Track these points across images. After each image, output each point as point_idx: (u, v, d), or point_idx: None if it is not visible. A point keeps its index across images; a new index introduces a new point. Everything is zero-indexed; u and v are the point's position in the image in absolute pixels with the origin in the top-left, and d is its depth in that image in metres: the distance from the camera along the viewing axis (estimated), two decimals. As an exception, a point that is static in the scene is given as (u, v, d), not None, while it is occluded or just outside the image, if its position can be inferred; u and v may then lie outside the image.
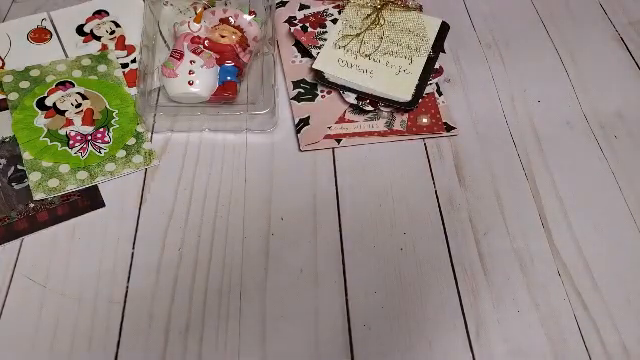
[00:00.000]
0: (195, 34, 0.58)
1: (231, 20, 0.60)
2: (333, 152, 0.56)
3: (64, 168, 0.52)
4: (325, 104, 0.59)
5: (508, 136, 0.58)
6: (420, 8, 0.66)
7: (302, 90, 0.60)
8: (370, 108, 0.58)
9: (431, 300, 0.47)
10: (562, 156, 0.56)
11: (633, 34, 0.68)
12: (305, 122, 0.57)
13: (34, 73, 0.59)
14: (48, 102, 0.56)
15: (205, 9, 0.61)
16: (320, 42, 0.62)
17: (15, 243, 0.49)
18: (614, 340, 0.45)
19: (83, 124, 0.55)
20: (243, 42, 0.59)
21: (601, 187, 0.54)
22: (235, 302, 0.46)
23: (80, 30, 0.64)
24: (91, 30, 0.63)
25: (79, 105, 0.56)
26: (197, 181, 0.53)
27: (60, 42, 0.63)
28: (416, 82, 0.58)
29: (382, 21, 0.63)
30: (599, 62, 0.65)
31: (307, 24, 0.65)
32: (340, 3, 0.67)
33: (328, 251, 0.49)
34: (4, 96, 0.57)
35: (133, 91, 0.58)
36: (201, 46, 0.57)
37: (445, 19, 0.65)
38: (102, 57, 0.61)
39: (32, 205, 0.50)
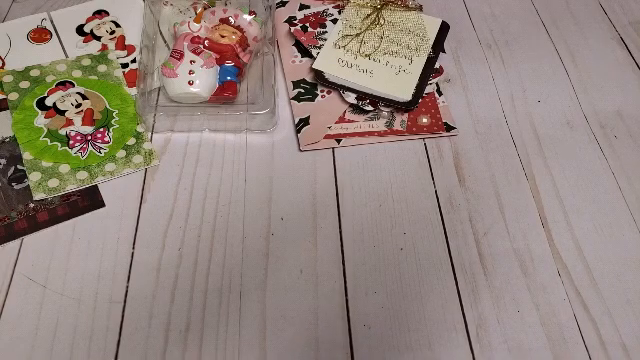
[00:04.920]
0: (195, 34, 0.58)
1: (231, 20, 0.60)
2: (333, 152, 0.56)
3: (64, 168, 0.52)
4: (325, 104, 0.59)
5: (508, 136, 0.58)
6: (420, 8, 0.66)
7: (302, 90, 0.60)
8: (370, 108, 0.58)
9: (431, 300, 0.47)
10: (562, 156, 0.56)
11: (633, 34, 0.68)
12: (305, 122, 0.57)
13: (34, 73, 0.59)
14: (48, 102, 0.56)
15: (205, 9, 0.61)
16: (320, 42, 0.62)
17: (15, 243, 0.49)
18: (614, 340, 0.45)
19: (83, 124, 0.55)
20: (243, 42, 0.59)
21: (601, 187, 0.54)
22: (235, 302, 0.46)
23: (80, 30, 0.64)
24: (91, 30, 0.63)
25: (79, 105, 0.56)
26: (197, 181, 0.53)
27: (60, 42, 0.63)
28: (416, 82, 0.58)
29: (382, 21, 0.63)
30: (599, 62, 0.65)
31: (307, 24, 0.65)
32: (340, 3, 0.67)
33: (328, 251, 0.49)
34: (4, 96, 0.57)
35: (133, 91, 0.58)
36: (201, 46, 0.57)
37: (445, 19, 0.65)
38: (102, 57, 0.61)
39: (32, 205, 0.50)
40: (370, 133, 0.57)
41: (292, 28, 0.64)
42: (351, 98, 0.58)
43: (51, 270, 0.47)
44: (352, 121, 0.58)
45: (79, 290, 0.46)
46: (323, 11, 0.66)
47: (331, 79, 0.59)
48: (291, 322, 0.45)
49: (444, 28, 0.64)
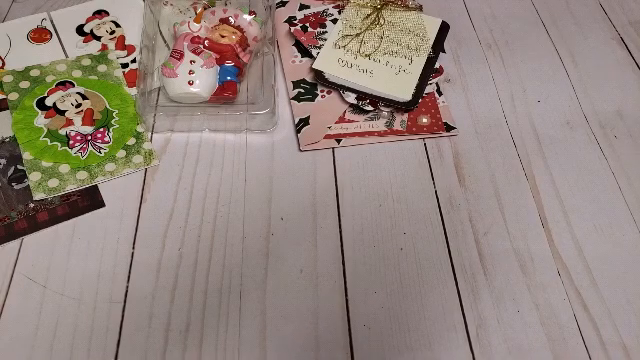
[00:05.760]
0: (195, 34, 0.58)
1: (231, 20, 0.60)
2: (333, 152, 0.56)
3: (64, 168, 0.52)
4: (325, 104, 0.59)
5: (508, 136, 0.58)
6: (420, 8, 0.66)
7: (302, 90, 0.60)
8: (370, 108, 0.58)
9: (431, 300, 0.47)
10: (562, 156, 0.56)
11: (633, 34, 0.68)
12: (305, 122, 0.57)
13: (34, 73, 0.59)
14: (48, 102, 0.56)
15: (205, 9, 0.61)
16: (320, 42, 0.62)
17: (15, 243, 0.49)
18: (614, 340, 0.45)
19: (83, 124, 0.55)
20: (243, 42, 0.59)
21: (601, 187, 0.54)
22: (235, 302, 0.46)
23: (80, 30, 0.64)
24: (91, 30, 0.63)
25: (79, 105, 0.56)
26: (197, 181, 0.53)
27: (60, 42, 0.63)
28: (416, 82, 0.58)
29: (382, 21, 0.63)
30: (599, 62, 0.65)
31: (307, 24, 0.65)
32: (340, 3, 0.67)
33: (328, 251, 0.49)
34: (4, 96, 0.57)
35: (133, 91, 0.58)
36: (201, 46, 0.57)
37: (445, 19, 0.65)
38: (102, 57, 0.61)
39: (32, 205, 0.50)
40: (370, 133, 0.57)
41: (292, 28, 0.64)
42: (351, 98, 0.58)
43: (51, 270, 0.47)
44: (352, 121, 0.58)
45: (79, 290, 0.46)
46: (323, 11, 0.66)
47: (331, 79, 0.59)
48: (291, 322, 0.45)
49: (444, 28, 0.64)
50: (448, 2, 0.71)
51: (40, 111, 0.56)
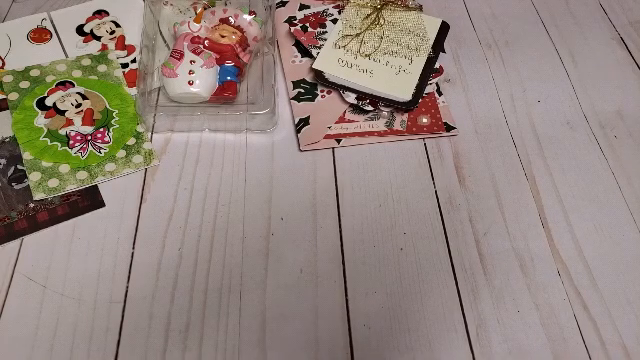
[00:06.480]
0: (195, 34, 0.58)
1: (231, 20, 0.60)
2: (333, 152, 0.56)
3: (64, 168, 0.52)
4: (325, 104, 0.59)
5: (508, 136, 0.58)
6: (420, 8, 0.66)
7: (302, 90, 0.60)
8: (370, 108, 0.58)
9: (431, 300, 0.47)
10: (562, 156, 0.56)
11: (633, 34, 0.68)
12: (305, 122, 0.57)
13: (34, 73, 0.59)
14: (48, 102, 0.56)
15: (205, 9, 0.61)
16: (320, 42, 0.62)
17: (15, 243, 0.49)
18: (614, 340, 0.45)
19: (83, 124, 0.55)
20: (243, 42, 0.59)
21: (601, 187, 0.54)
22: (235, 302, 0.46)
23: (80, 30, 0.64)
24: (91, 30, 0.63)
25: (79, 105, 0.56)
26: (197, 181, 0.53)
27: (60, 42, 0.63)
28: (416, 82, 0.58)
29: (382, 21, 0.63)
30: (599, 62, 0.65)
31: (307, 24, 0.65)
32: (340, 3, 0.67)
33: (328, 251, 0.49)
34: (4, 96, 0.57)
35: (133, 91, 0.58)
36: (201, 46, 0.57)
37: (445, 19, 0.65)
38: (102, 57, 0.61)
39: (32, 205, 0.50)
40: (370, 133, 0.57)
41: (292, 28, 0.64)
42: (351, 98, 0.58)
43: (51, 270, 0.47)
44: (352, 121, 0.58)
45: (79, 290, 0.46)
46: (323, 11, 0.66)
47: (331, 79, 0.59)
48: (291, 322, 0.45)
49: (444, 28, 0.64)
50: (448, 2, 0.71)
51: (40, 111, 0.56)
